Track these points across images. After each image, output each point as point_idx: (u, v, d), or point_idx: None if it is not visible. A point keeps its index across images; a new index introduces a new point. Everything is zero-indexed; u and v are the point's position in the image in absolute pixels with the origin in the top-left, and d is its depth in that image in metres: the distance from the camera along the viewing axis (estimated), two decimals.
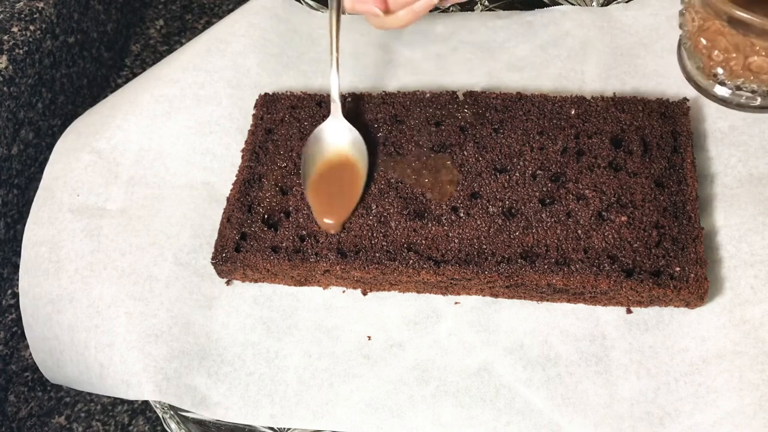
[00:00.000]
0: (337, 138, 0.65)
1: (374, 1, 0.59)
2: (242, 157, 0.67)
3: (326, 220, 0.61)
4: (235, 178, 0.66)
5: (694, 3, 0.61)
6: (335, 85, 0.65)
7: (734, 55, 0.60)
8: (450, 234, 0.59)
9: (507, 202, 0.60)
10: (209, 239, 0.64)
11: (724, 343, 0.55)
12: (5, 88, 0.71)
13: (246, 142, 0.68)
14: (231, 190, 0.65)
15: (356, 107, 0.68)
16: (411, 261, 0.58)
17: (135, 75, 0.84)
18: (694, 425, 0.53)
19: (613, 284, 0.56)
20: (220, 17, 0.81)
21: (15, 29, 0.73)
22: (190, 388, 0.58)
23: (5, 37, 0.72)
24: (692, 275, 0.55)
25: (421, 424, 0.55)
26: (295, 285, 0.63)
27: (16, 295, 0.72)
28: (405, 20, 0.61)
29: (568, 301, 0.59)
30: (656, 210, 0.58)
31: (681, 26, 0.64)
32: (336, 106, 0.65)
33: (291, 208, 0.63)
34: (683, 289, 0.55)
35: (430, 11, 0.78)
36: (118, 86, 0.85)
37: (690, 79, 0.65)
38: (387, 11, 0.60)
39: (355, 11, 0.61)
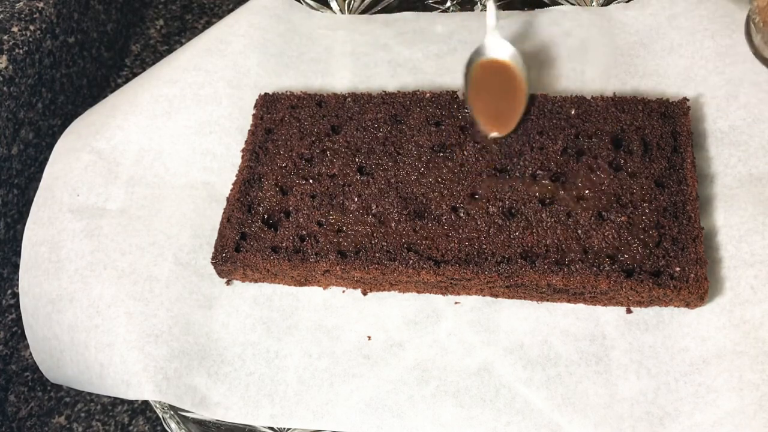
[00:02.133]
0: (498, 52, 0.67)
1: None
2: (242, 157, 0.67)
3: (493, 135, 0.64)
4: (235, 178, 0.66)
5: None
6: (491, 11, 0.68)
7: None
8: (450, 234, 0.59)
9: (507, 202, 0.60)
10: (209, 239, 0.64)
11: (724, 343, 0.55)
12: (5, 88, 0.71)
13: (246, 142, 0.68)
14: (231, 190, 0.65)
15: (356, 107, 0.68)
16: (411, 261, 0.58)
17: (135, 75, 0.84)
18: (694, 425, 0.53)
19: (613, 284, 0.56)
20: (220, 17, 0.81)
21: (15, 29, 0.73)
22: (190, 388, 0.58)
23: (5, 37, 0.72)
24: (692, 275, 0.55)
25: (421, 424, 0.55)
26: (295, 285, 0.63)
27: (16, 295, 0.72)
28: None
29: (568, 301, 0.59)
30: (656, 210, 0.58)
31: (750, 1, 0.65)
32: (492, 24, 0.68)
33: (291, 208, 0.63)
34: (683, 289, 0.55)
35: (431, 11, 0.78)
36: (118, 86, 0.85)
37: (757, 53, 0.66)
38: None
39: None
